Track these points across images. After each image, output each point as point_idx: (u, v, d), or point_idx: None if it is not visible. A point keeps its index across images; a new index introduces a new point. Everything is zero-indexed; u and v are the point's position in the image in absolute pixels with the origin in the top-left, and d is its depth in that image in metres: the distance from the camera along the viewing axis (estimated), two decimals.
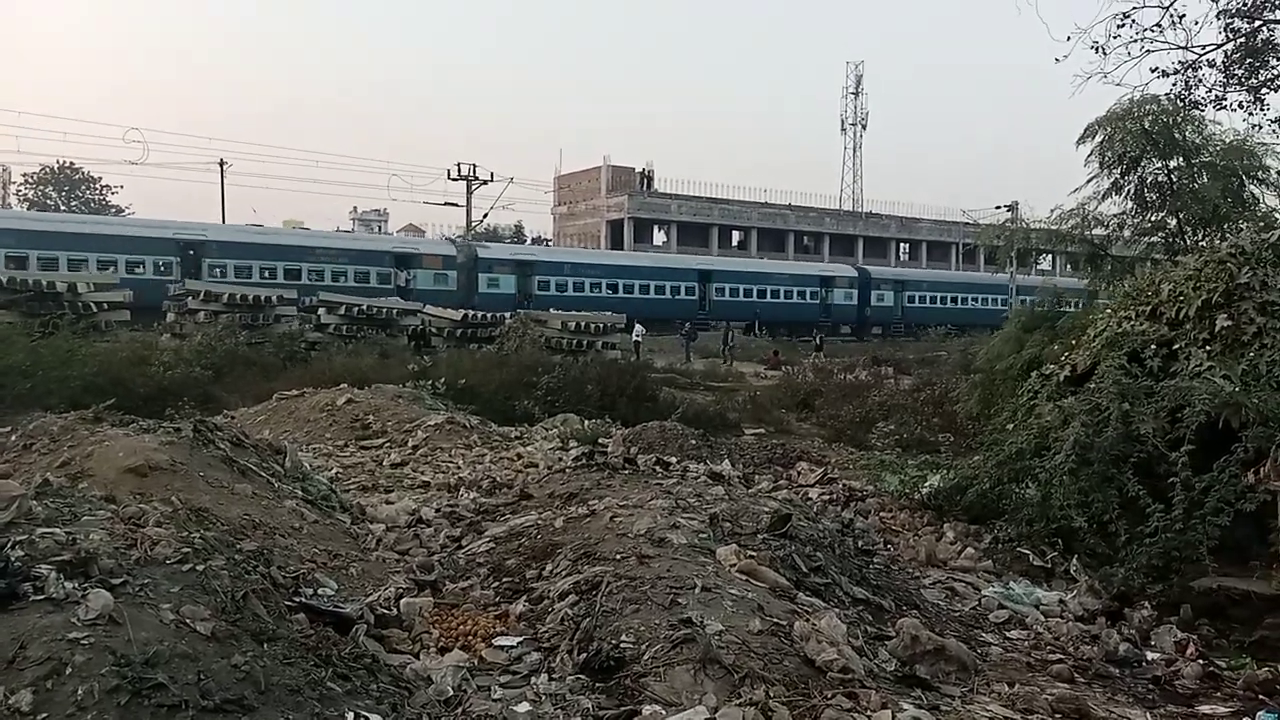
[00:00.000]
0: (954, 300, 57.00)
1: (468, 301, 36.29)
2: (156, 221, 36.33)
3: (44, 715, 3.24)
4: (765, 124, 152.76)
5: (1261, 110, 13.47)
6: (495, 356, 20.78)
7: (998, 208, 41.88)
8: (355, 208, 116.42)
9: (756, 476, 9.70)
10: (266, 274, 34.47)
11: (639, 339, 32.69)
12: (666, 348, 35.88)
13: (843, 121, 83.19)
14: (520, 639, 4.75)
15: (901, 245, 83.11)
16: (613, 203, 69.43)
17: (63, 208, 64.24)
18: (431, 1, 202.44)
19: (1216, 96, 13.37)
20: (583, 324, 25.49)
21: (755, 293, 50.46)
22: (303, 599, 4.56)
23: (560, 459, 10.33)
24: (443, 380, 15.95)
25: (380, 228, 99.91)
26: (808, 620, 4.64)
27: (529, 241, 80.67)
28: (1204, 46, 13.59)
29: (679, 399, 17.65)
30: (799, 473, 10.08)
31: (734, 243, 78.59)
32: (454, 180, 53.19)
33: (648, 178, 71.22)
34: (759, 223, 73.58)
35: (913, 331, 46.84)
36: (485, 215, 54.85)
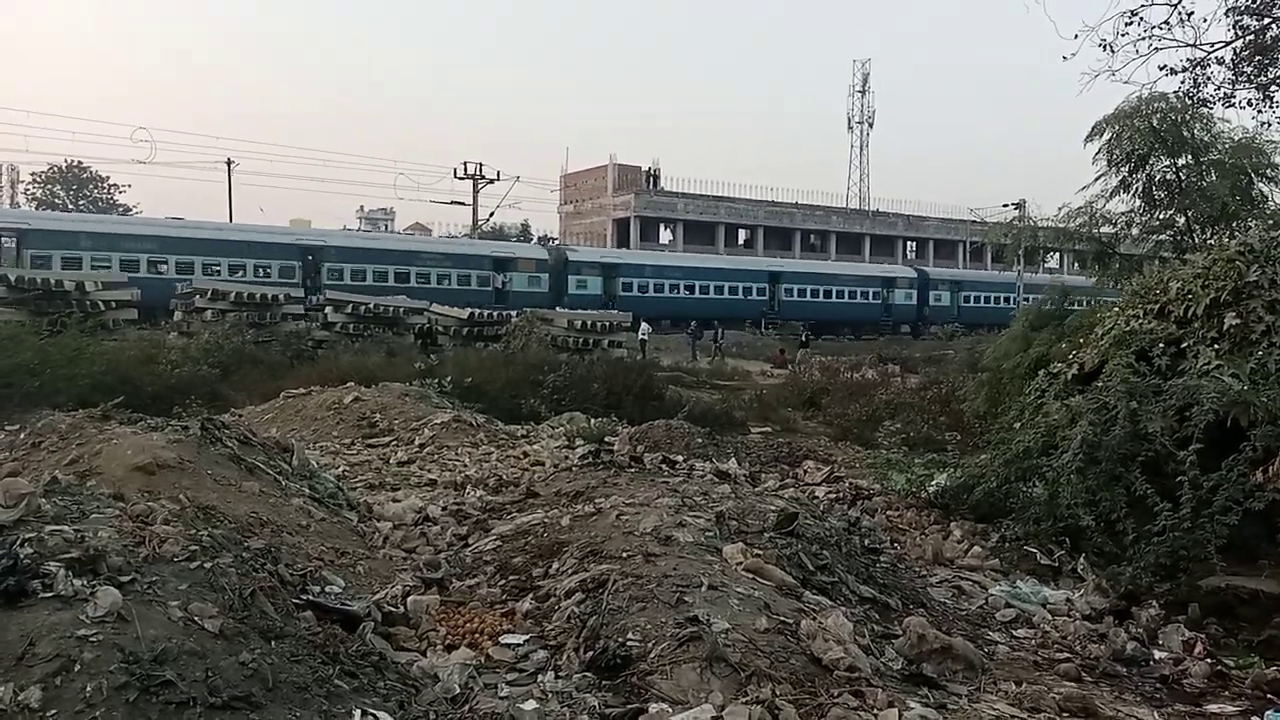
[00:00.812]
0: (1006, 300, 57.81)
1: (558, 302, 39.35)
2: (280, 229, 40.68)
3: (53, 712, 3.25)
4: (767, 124, 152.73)
5: (1271, 108, 13.41)
6: (501, 355, 20.82)
7: (1005, 206, 41.87)
8: (362, 206, 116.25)
9: (763, 475, 9.70)
10: (378, 278, 37.75)
11: (644, 337, 32.69)
12: (672, 346, 35.91)
13: (849, 119, 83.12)
14: (527, 637, 4.75)
15: (909, 243, 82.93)
16: (619, 201, 69.46)
17: (70, 207, 64.49)
18: (430, 1, 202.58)
19: (1225, 94, 13.32)
20: (589, 322, 25.50)
21: (821, 293, 53.20)
22: (310, 596, 4.57)
23: (566, 457, 10.33)
24: (449, 378, 16.00)
25: (387, 226, 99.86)
26: (814, 619, 4.64)
27: (534, 240, 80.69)
28: (1213, 44, 13.51)
29: (685, 398, 17.66)
30: (805, 471, 10.08)
31: (740, 241, 78.49)
32: (460, 179, 53.15)
33: (654, 176, 71.18)
34: (765, 221, 73.55)
35: (969, 330, 48.60)
36: (491, 214, 55.11)
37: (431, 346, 24.28)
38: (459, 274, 40.84)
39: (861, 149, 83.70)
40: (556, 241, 77.74)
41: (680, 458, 9.41)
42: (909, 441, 13.92)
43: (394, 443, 11.43)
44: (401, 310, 25.01)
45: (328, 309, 24.64)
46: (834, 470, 10.09)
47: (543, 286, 42.80)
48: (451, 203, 54.71)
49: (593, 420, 14.20)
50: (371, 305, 24.39)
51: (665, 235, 75.99)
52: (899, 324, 54.48)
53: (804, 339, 36.93)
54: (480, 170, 53.32)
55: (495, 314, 25.86)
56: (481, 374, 17.37)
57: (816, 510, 7.10)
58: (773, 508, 6.55)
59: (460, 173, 52.96)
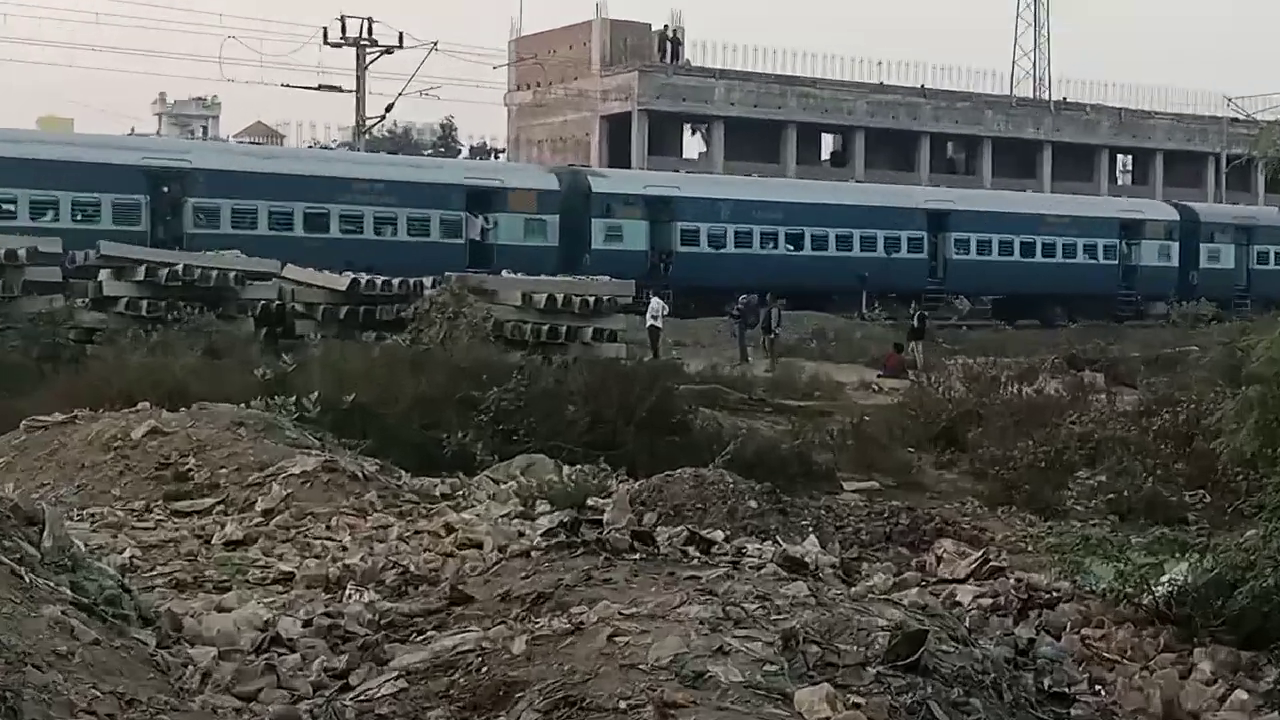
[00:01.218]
0: None
1: (575, 263, 41.18)
2: (107, 140, 45.25)
3: None
4: None
5: None
6: (407, 353, 20.79)
7: None
8: (162, 95, 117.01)
9: (865, 565, 9.72)
10: (278, 223, 40.46)
11: (656, 321, 32.66)
12: (705, 338, 35.88)
13: None
14: None
15: (1118, 157, 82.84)
16: (613, 85, 69.78)
17: None
18: None
19: None
20: (559, 297, 25.54)
21: (1017, 248, 53.12)
22: None
23: (521, 534, 10.28)
24: (314, 395, 16.00)
25: (205, 130, 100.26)
26: None
27: (465, 152, 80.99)
28: None
29: (728, 427, 17.60)
30: (940, 558, 10.06)
31: (824, 154, 78.52)
32: (334, 46, 53.35)
33: (673, 43, 71.37)
34: (867, 119, 73.90)
35: (1265, 308, 48.32)
36: (390, 107, 54.71)
37: (285, 338, 24.22)
38: (412, 216, 42.82)
39: (1035, 5, 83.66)
40: (500, 153, 77.82)
41: (720, 534, 9.38)
42: (1120, 507, 13.85)
43: (220, 508, 11.40)
44: (232, 276, 25.06)
45: (103, 276, 24.69)
46: (989, 557, 10.05)
47: (548, 237, 44.58)
48: (320, 88, 54.86)
49: (566, 469, 14.15)
50: (180, 269, 24.43)
51: (694, 144, 75.96)
52: (1149, 299, 54.47)
53: (916, 322, 36.94)
54: (368, 31, 53.43)
55: (401, 285, 25.88)
56: (372, 387, 17.30)
57: (959, 627, 7.10)
58: (882, 623, 6.55)
59: (334, 36, 53.13)
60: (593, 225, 45.57)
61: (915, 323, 37.07)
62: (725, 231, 48.01)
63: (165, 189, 39.45)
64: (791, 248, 49.09)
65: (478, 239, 43.55)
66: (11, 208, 36.95)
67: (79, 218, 36.75)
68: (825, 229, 49.76)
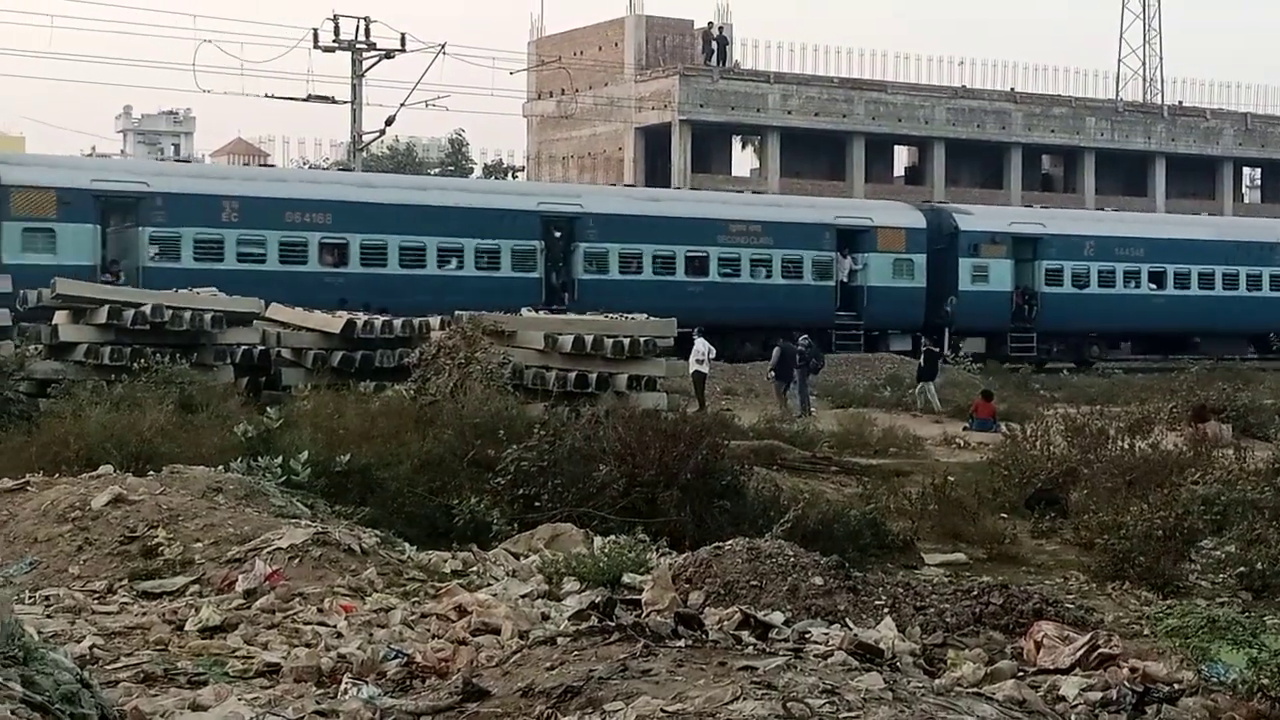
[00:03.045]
0: None
1: (936, 307, 48.65)
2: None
3: None
4: None
5: None
6: (412, 406, 20.83)
7: None
8: (127, 109, 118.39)
9: (951, 652, 9.67)
10: (661, 264, 46.52)
11: (702, 367, 32.64)
12: (759, 385, 35.84)
13: None
14: None
15: (1245, 169, 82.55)
16: (649, 91, 70.14)
17: None
18: None
19: None
20: (588, 339, 25.55)
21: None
22: None
23: (545, 617, 10.29)
24: (304, 456, 16.05)
25: (176, 147, 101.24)
26: None
27: (478, 172, 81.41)
28: None
29: (788, 490, 17.55)
30: (1039, 644, 9.98)
31: (897, 169, 78.51)
32: (326, 51, 53.69)
33: (719, 42, 71.60)
34: (948, 129, 74.04)
35: None
36: (390, 120, 54.97)
37: (270, 389, 24.29)
38: (786, 257, 48.26)
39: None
40: (519, 171, 78.10)
41: (780, 617, 9.39)
42: (1253, 582, 13.74)
43: (194, 589, 11.41)
44: (208, 319, 25.21)
45: (59, 319, 24.86)
46: (1098, 642, 9.96)
47: (916, 277, 49.66)
48: (310, 98, 55.19)
49: (598, 540, 14.14)
50: (147, 311, 24.56)
51: (744, 158, 76.12)
52: None
53: (924, 360, 37.25)
54: (365, 33, 53.84)
55: (404, 326, 25.98)
56: (371, 446, 17.33)
57: None
58: None
59: (325, 39, 53.50)
60: (960, 265, 50.26)
61: (923, 361, 37.20)
62: (1087, 270, 52.38)
63: (558, 234, 45.61)
64: (1154, 286, 53.34)
65: (845, 280, 48.76)
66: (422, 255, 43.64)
67: (483, 263, 44.00)
68: (1189, 266, 53.88)
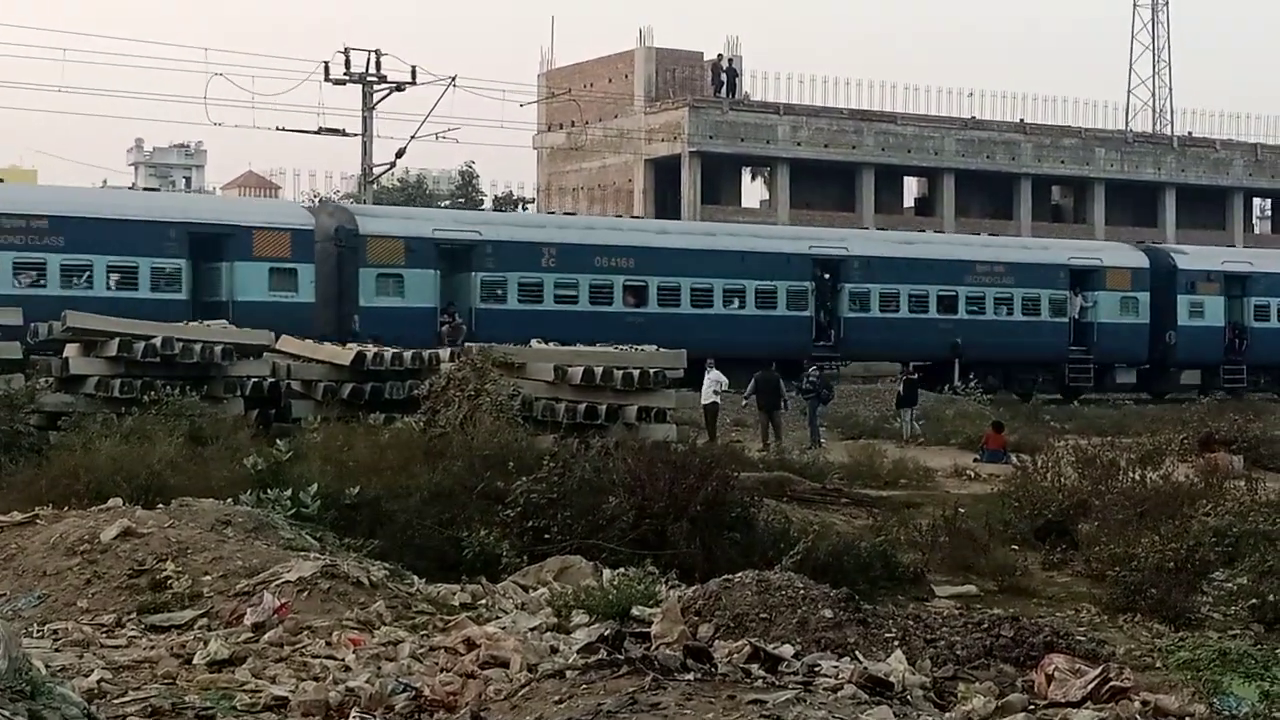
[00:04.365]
0: None
1: (1154, 345, 52.66)
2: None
3: None
4: None
5: None
6: (421, 438, 20.83)
7: None
8: (139, 142, 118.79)
9: (961, 685, 9.64)
10: (915, 302, 49.97)
11: (715, 398, 32.64)
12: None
13: None
14: None
15: (1255, 200, 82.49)
16: (659, 122, 70.33)
17: None
18: None
19: None
20: (597, 371, 25.57)
21: None
22: None
23: (554, 650, 10.27)
24: (314, 488, 16.06)
25: (188, 180, 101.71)
26: None
27: (488, 202, 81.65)
28: None
29: (798, 522, 17.51)
30: (1051, 677, 9.96)
31: (907, 200, 78.60)
32: (337, 83, 53.91)
33: (729, 74, 71.80)
34: (958, 160, 74.20)
35: None
36: (401, 152, 55.18)
37: (280, 421, 24.30)
38: (1026, 295, 51.65)
39: (1155, 27, 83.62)
40: (529, 203, 78.26)
41: (789, 650, 9.37)
42: (1265, 614, 13.69)
43: (203, 622, 11.41)
44: (218, 351, 25.26)
45: (69, 351, 24.92)
46: (1109, 675, 9.94)
47: (1140, 314, 53.16)
48: (321, 131, 55.37)
49: (608, 572, 14.13)
50: (157, 344, 24.60)
51: (753, 190, 76.22)
52: None
53: (903, 389, 37.47)
54: (376, 66, 54.03)
55: (414, 359, 26.04)
56: (380, 478, 17.32)
57: None
58: None
59: (336, 72, 53.69)
60: (1178, 302, 53.26)
61: (902, 389, 37.32)
62: None
63: (826, 275, 48.83)
64: None
65: (1076, 317, 52.21)
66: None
67: (763, 303, 46.98)
68: None
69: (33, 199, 44.00)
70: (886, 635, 10.97)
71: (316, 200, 73.22)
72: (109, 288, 39.07)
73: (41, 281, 38.77)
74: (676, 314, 45.59)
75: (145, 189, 74.02)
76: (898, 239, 57.17)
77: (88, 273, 39.55)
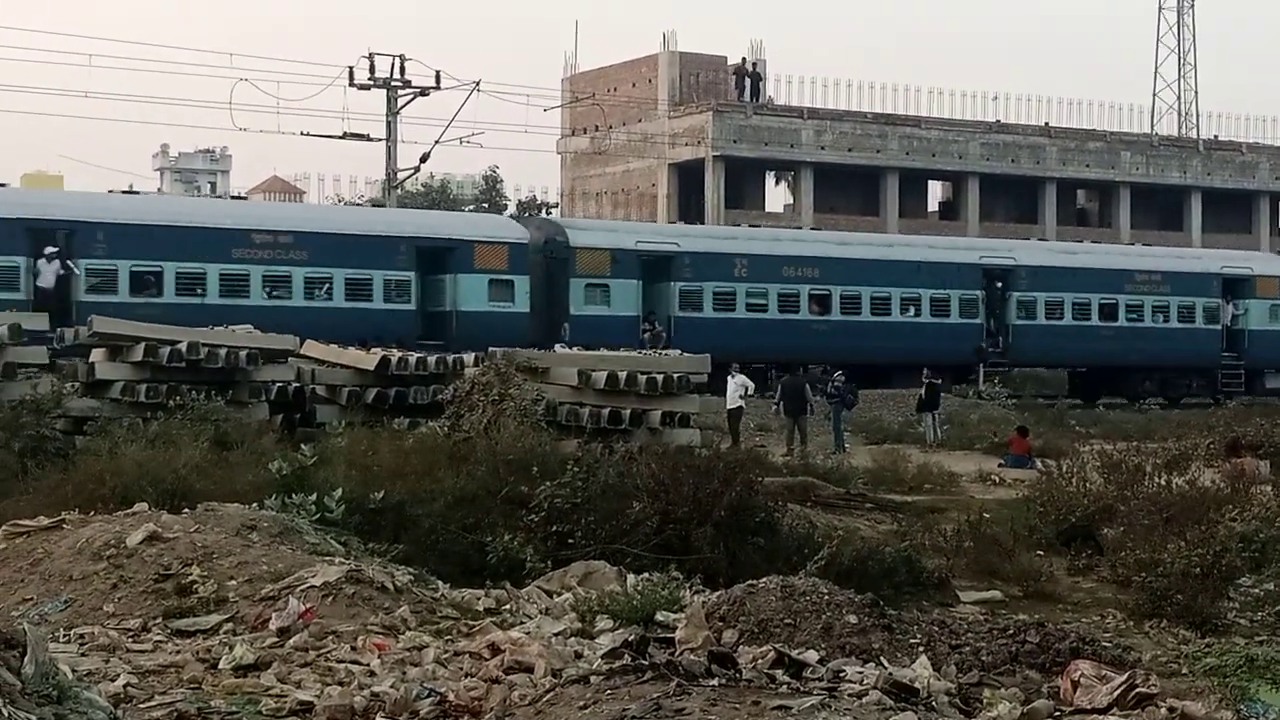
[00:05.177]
0: None
1: None
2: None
3: None
4: None
5: None
6: (446, 442, 20.84)
7: None
8: (164, 147, 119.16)
9: (987, 691, 9.60)
10: (1078, 311, 51.99)
11: (740, 402, 32.61)
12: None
13: None
14: None
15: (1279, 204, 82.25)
16: (683, 127, 70.30)
17: None
18: None
19: None
20: (621, 376, 25.54)
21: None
22: None
23: (579, 655, 10.26)
24: (338, 493, 16.08)
25: (213, 185, 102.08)
26: None
27: (512, 207, 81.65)
28: None
29: (823, 528, 17.50)
30: (1076, 683, 9.90)
31: (931, 204, 78.48)
32: (362, 89, 53.93)
33: (753, 78, 71.73)
34: (982, 163, 74.03)
35: None
36: (425, 157, 55.08)
37: (304, 426, 24.33)
38: (1181, 304, 53.31)
39: (1179, 29, 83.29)
40: (553, 207, 78.42)
41: (814, 655, 9.35)
42: None
43: (228, 627, 11.42)
44: (243, 356, 25.28)
45: (95, 356, 24.95)
46: (1135, 681, 9.89)
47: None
48: (345, 136, 55.37)
49: (632, 577, 14.12)
50: (183, 349, 24.62)
51: (777, 194, 76.18)
52: None
53: (925, 392, 37.42)
54: (400, 71, 54.05)
55: (438, 364, 26.07)
56: (405, 483, 17.34)
57: None
58: None
59: (361, 77, 53.69)
60: None
61: (924, 392, 37.23)
62: None
63: (998, 284, 50.58)
64: None
65: (1228, 325, 54.00)
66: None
67: (937, 310, 49.08)
68: None
69: (280, 216, 47.16)
70: (911, 641, 10.94)
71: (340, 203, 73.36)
72: (346, 299, 40.79)
73: (287, 294, 40.34)
74: (858, 321, 47.46)
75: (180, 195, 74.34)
76: (1061, 249, 58.97)
77: (328, 285, 41.07)
